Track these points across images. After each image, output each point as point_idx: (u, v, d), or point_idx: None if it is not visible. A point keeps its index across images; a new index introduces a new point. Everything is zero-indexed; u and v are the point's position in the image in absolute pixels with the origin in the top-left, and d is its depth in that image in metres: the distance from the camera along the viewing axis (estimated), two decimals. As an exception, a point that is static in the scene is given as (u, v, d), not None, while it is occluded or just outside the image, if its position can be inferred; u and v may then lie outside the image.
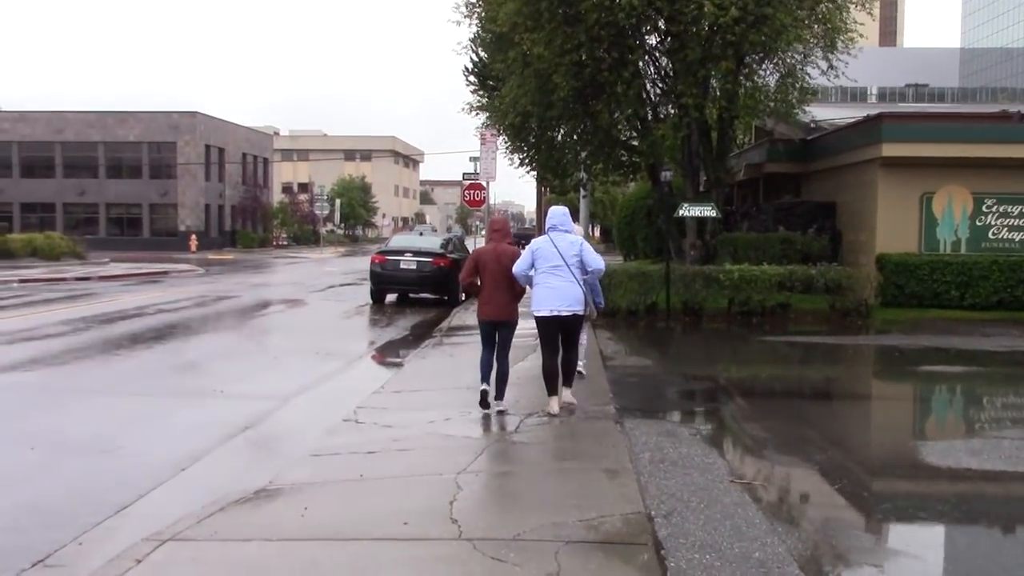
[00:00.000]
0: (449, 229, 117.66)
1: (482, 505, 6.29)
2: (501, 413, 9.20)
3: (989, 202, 19.48)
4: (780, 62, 19.97)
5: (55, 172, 61.98)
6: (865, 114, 21.83)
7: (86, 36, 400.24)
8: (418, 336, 16.89)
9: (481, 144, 19.99)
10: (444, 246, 23.23)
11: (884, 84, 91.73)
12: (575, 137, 22.82)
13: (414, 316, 20.34)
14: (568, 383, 9.56)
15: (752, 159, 26.50)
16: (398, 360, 13.83)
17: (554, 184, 27.27)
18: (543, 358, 9.35)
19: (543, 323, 9.23)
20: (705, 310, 18.41)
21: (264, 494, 6.73)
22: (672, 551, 5.26)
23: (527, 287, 9.39)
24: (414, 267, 22.25)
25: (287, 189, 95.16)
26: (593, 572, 4.93)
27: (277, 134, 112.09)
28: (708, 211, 18.53)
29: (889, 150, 18.98)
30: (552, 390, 9.28)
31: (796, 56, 19.94)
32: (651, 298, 18.39)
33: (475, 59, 30.14)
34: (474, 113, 25.04)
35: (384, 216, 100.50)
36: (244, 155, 69.29)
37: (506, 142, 23.76)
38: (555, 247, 9.16)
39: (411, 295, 23.33)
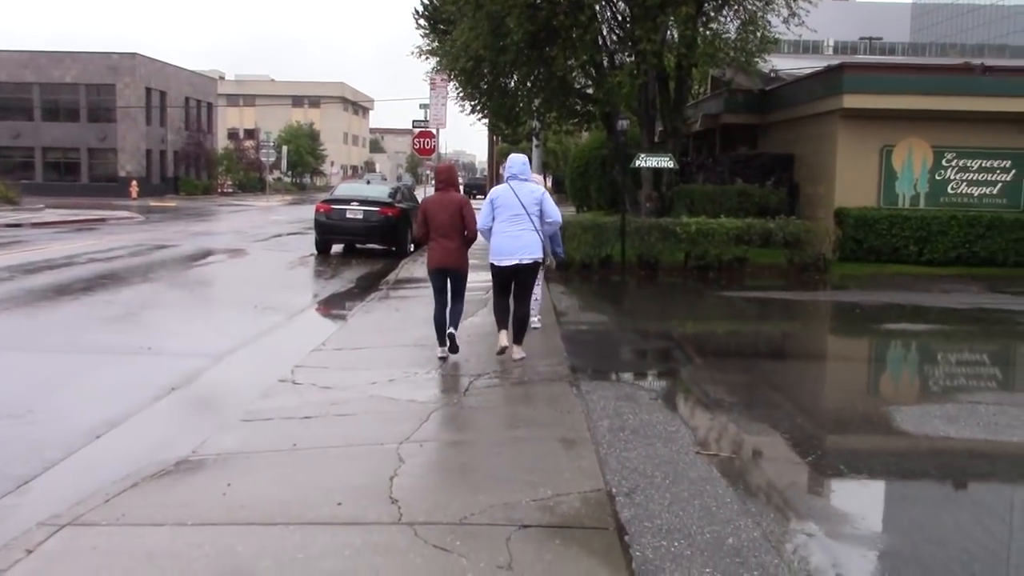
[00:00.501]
0: (399, 178, 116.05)
1: (426, 482, 5.68)
2: (451, 336, 9.25)
3: (949, 156, 19.15)
4: (740, 8, 19.34)
5: (-13, 114, 59.55)
6: (824, 65, 21.35)
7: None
8: (364, 289, 16.19)
9: (431, 89, 19.17)
10: (392, 195, 22.42)
11: (838, 38, 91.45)
12: (528, 84, 22.06)
13: (360, 267, 19.61)
14: (519, 340, 9.31)
15: (709, 109, 25.94)
16: (342, 314, 13.15)
17: (506, 133, 26.50)
18: (494, 300, 9.41)
19: (500, 272, 9.14)
20: (661, 264, 17.93)
21: (185, 466, 6.08)
22: (636, 536, 4.72)
23: (475, 237, 9.29)
24: (361, 217, 21.44)
25: (233, 135, 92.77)
26: (549, 564, 4.36)
27: (222, 78, 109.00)
28: (665, 162, 17.97)
29: (850, 101, 18.51)
30: (502, 324, 9.25)
31: (757, 3, 19.31)
32: (606, 251, 17.86)
33: (426, 2, 29.07)
34: (424, 58, 24.08)
35: (333, 164, 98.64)
36: (187, 99, 67.15)
37: (457, 88, 22.87)
38: (516, 196, 9.06)
39: (358, 246, 22.56)
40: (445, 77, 19.69)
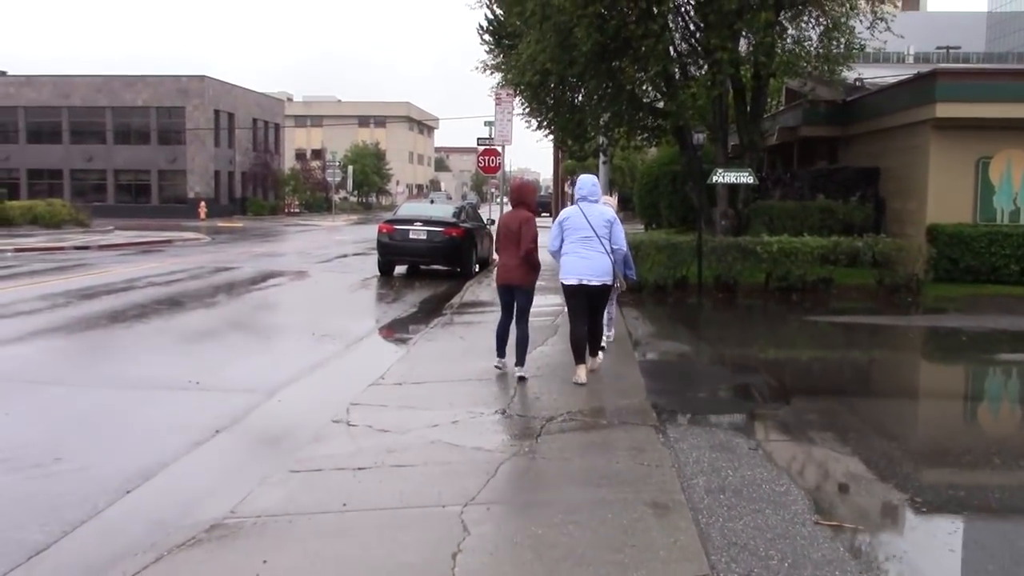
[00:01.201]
0: (464, 197, 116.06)
1: (495, 560, 4.80)
2: (522, 380, 9.20)
3: (1052, 168, 17.79)
4: (821, 14, 18.22)
5: (62, 138, 60.56)
6: (908, 74, 20.13)
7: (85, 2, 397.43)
8: (427, 313, 15.45)
9: (496, 105, 18.43)
10: (456, 215, 21.71)
11: (913, 48, 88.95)
12: (596, 98, 21.20)
13: (424, 290, 18.89)
14: (594, 352, 9.55)
15: (786, 122, 24.78)
16: (403, 343, 12.38)
17: (573, 149, 25.62)
18: (571, 326, 9.28)
19: (571, 292, 9.11)
20: (740, 285, 16.89)
21: (219, 533, 5.30)
22: (756, 644, 3.79)
23: (529, 253, 9.25)
24: (424, 237, 20.76)
25: (300, 156, 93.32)
26: None
27: (290, 100, 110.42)
28: (745, 177, 16.93)
29: (944, 110, 17.28)
30: (579, 358, 9.15)
31: (839, 8, 18.19)
32: (681, 272, 16.89)
33: (490, 16, 28.41)
34: (489, 72, 23.37)
35: (398, 183, 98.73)
36: (255, 121, 67.69)
37: (523, 103, 22.13)
38: (585, 218, 9.00)
39: (422, 267, 21.87)
40: (511, 92, 18.94)
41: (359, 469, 6.49)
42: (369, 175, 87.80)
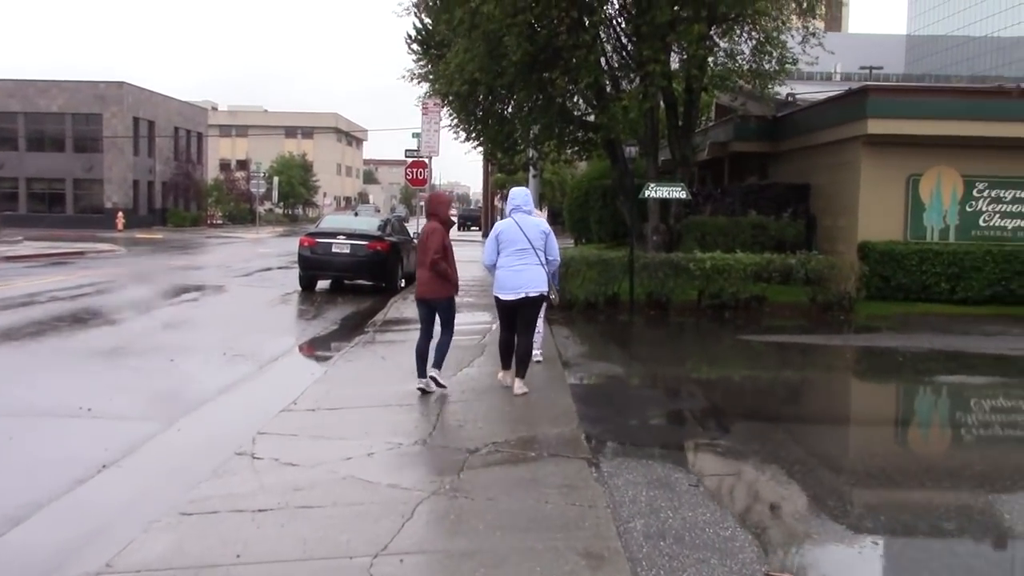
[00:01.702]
0: (393, 209, 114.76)
1: (405, 627, 4.17)
2: (433, 379, 9.17)
3: (980, 186, 17.78)
4: (754, 28, 18.02)
5: (-29, 144, 58.13)
6: (838, 90, 20.05)
7: (9, 3, 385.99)
8: (348, 331, 14.73)
9: (423, 115, 17.78)
10: (382, 228, 20.98)
11: (840, 68, 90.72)
12: (526, 110, 20.73)
13: (346, 306, 18.14)
14: (521, 374, 9.22)
15: (717, 137, 24.60)
16: (320, 363, 11.64)
17: (502, 162, 25.11)
18: (501, 331, 9.42)
19: (506, 306, 9.13)
20: (672, 302, 16.49)
21: (87, 595, 4.57)
22: None
23: (437, 263, 9.08)
24: (347, 251, 19.99)
25: (225, 166, 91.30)
26: None
27: (215, 109, 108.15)
28: (677, 192, 16.56)
29: (875, 127, 17.15)
30: (506, 363, 9.36)
31: (771, 23, 18.00)
32: (613, 288, 16.44)
33: (418, 25, 27.79)
34: (416, 82, 22.68)
35: (326, 195, 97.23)
36: (176, 129, 65.86)
37: (451, 114, 21.53)
38: (521, 230, 9.02)
39: (345, 282, 21.08)
40: (438, 102, 18.31)
41: (259, 511, 5.81)
42: (295, 187, 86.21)
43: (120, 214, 55.10)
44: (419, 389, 9.22)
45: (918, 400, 10.96)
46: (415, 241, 21.70)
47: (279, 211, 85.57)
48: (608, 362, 12.43)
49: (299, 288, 20.64)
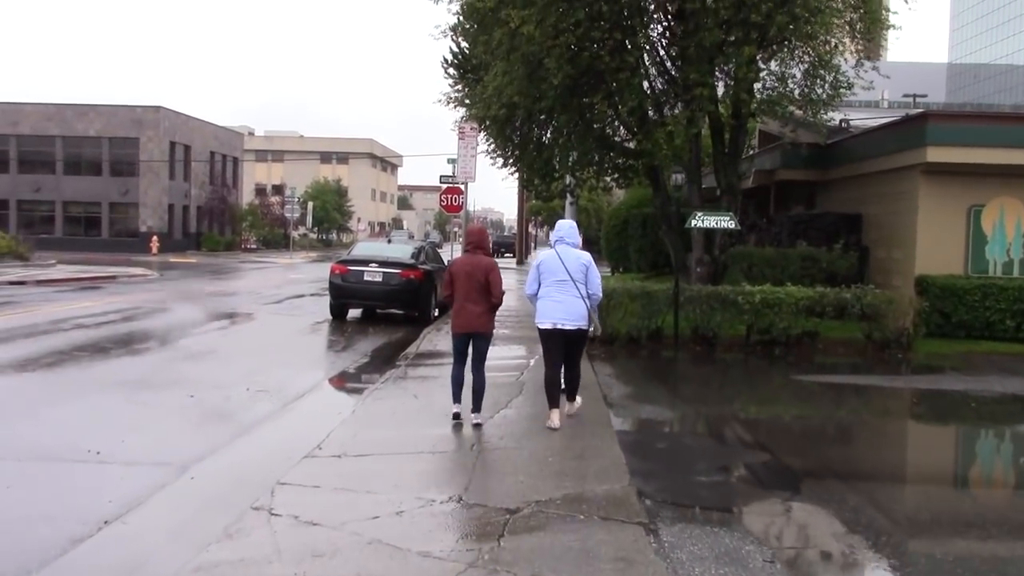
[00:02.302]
0: (427, 235, 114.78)
1: None
2: (478, 427, 8.96)
3: (1048, 218, 16.81)
4: (808, 51, 17.22)
5: (9, 167, 58.44)
6: (886, 118, 19.19)
7: (55, 34, 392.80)
8: (379, 364, 14.06)
9: (459, 139, 17.14)
10: (415, 256, 20.32)
11: (887, 95, 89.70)
12: (565, 135, 20.07)
13: (378, 336, 17.49)
14: (572, 397, 9.47)
15: (763, 164, 23.79)
16: (348, 401, 10.94)
17: (539, 188, 24.45)
18: (546, 369, 9.22)
19: (546, 335, 9.09)
20: (719, 337, 15.65)
21: None
22: None
23: (501, 300, 9.19)
24: (379, 279, 19.35)
25: (261, 191, 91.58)
26: None
27: (252, 134, 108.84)
28: (726, 222, 15.76)
29: (935, 155, 16.25)
30: (553, 403, 9.05)
31: (823, 46, 17.21)
32: (656, 322, 15.64)
33: (455, 49, 27.32)
34: (452, 106, 22.07)
35: (360, 221, 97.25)
36: (212, 154, 65.98)
37: (488, 139, 20.90)
38: (561, 262, 9.01)
39: (378, 311, 20.42)
40: (475, 127, 17.67)
41: (273, 584, 5.09)
42: (330, 212, 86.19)
43: (155, 238, 55.04)
44: (454, 415, 9.17)
45: (1004, 453, 10.03)
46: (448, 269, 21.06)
47: (313, 236, 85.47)
48: (655, 404, 11.58)
49: (330, 317, 20.03)
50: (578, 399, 9.54)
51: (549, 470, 7.53)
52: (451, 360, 9.51)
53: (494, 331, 9.46)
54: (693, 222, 15.76)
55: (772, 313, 15.26)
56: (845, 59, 17.81)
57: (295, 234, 71.61)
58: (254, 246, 68.95)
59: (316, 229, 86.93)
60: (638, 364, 14.51)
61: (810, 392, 12.63)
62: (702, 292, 15.70)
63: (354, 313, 20.71)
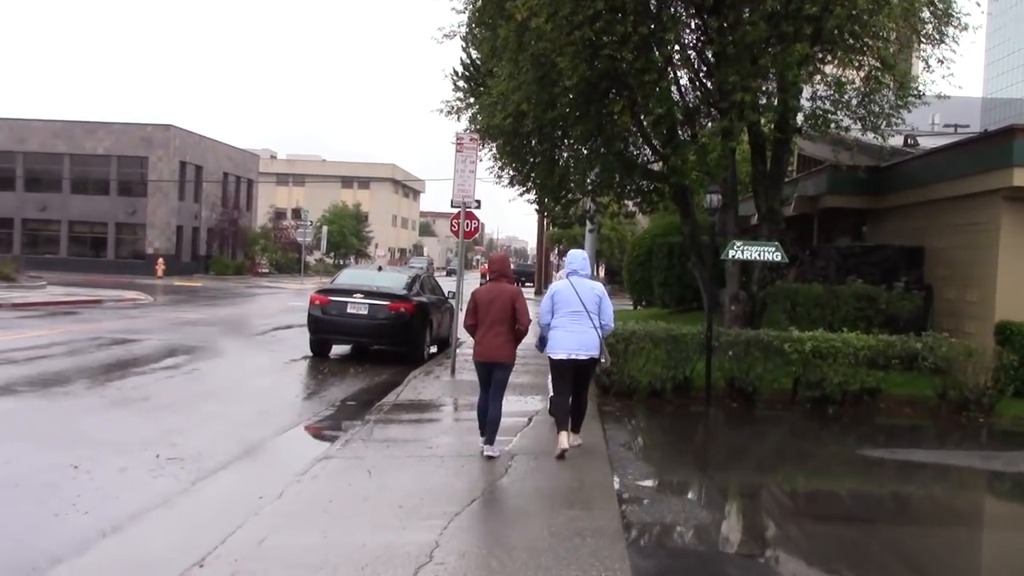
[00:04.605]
0: (448, 262, 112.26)
1: None
2: (490, 459, 8.83)
3: None
4: (865, 52, 14.56)
5: (15, 184, 56.59)
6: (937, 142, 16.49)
7: (67, 51, 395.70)
8: (344, 418, 11.54)
9: (456, 152, 14.65)
10: (408, 286, 17.73)
11: (933, 119, 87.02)
12: (582, 149, 17.54)
13: (358, 379, 15.00)
14: (576, 428, 9.48)
15: (805, 190, 21.11)
16: (280, 478, 8.26)
17: (555, 212, 21.89)
18: (554, 395, 9.33)
19: (558, 366, 9.12)
20: (759, 393, 12.96)
21: None
22: None
23: (527, 327, 9.11)
24: (365, 312, 16.83)
25: (280, 215, 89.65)
26: None
27: (274, 157, 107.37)
28: (771, 254, 13.11)
29: (1023, 178, 13.56)
30: (562, 425, 9.03)
31: (888, 46, 14.59)
32: (684, 372, 12.98)
33: (466, 60, 24.91)
34: (453, 116, 19.47)
35: (377, 247, 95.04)
36: (226, 175, 63.87)
37: (494, 154, 18.36)
38: (576, 292, 9.07)
39: (372, 347, 17.82)
40: (475, 137, 15.22)
41: None
42: (347, 237, 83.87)
43: (160, 260, 52.83)
44: (487, 456, 8.89)
45: None
46: (450, 301, 18.51)
47: (329, 261, 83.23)
48: (685, 497, 8.67)
49: (310, 353, 17.52)
50: (578, 437, 9.46)
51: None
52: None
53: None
54: (731, 253, 13.11)
55: (825, 365, 12.57)
56: (919, 59, 15.17)
57: (311, 259, 69.36)
58: (266, 270, 66.69)
59: (332, 254, 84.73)
60: (662, 429, 11.88)
61: (887, 475, 9.87)
62: (740, 337, 13.03)
63: (342, 349, 18.21)
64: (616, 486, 8.02)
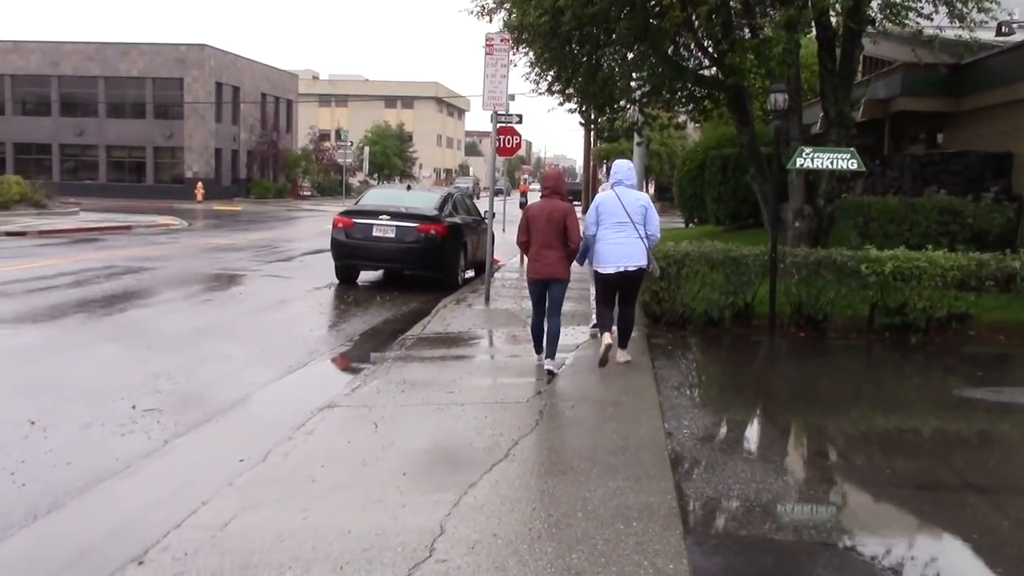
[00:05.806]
0: (496, 182, 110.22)
1: None
2: (551, 374, 8.67)
3: None
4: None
5: (51, 109, 55.74)
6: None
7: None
8: (361, 355, 10.25)
9: (487, 55, 13.06)
10: (440, 206, 16.29)
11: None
12: (627, 54, 15.77)
13: (384, 308, 13.75)
14: (623, 344, 9.20)
15: (875, 93, 19.13)
16: (268, 435, 6.95)
17: (601, 125, 20.18)
18: (598, 309, 9.52)
19: (605, 280, 9.01)
20: (831, 320, 11.42)
21: None
22: None
23: (579, 245, 8.89)
24: (392, 235, 15.49)
25: (323, 137, 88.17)
26: None
27: (316, 78, 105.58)
28: (845, 161, 11.43)
29: None
30: (605, 327, 8.99)
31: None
32: (744, 298, 11.47)
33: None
34: (485, 17, 17.63)
35: (422, 167, 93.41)
36: (264, 96, 62.40)
37: (531, 59, 16.63)
38: (620, 203, 8.86)
39: (406, 272, 16.48)
40: (506, 38, 13.61)
41: None
42: (391, 157, 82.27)
43: (199, 184, 51.92)
44: (538, 365, 8.99)
45: None
46: (484, 223, 17.05)
47: (373, 183, 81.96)
48: (754, 458, 7.07)
49: (336, 280, 16.29)
50: (625, 353, 9.22)
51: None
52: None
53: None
54: (800, 161, 11.43)
55: (908, 288, 10.98)
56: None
57: (354, 180, 68.10)
58: (308, 193, 65.62)
59: (376, 175, 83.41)
60: (721, 365, 10.46)
61: (996, 423, 8.37)
62: (809, 258, 11.42)
63: (373, 275, 17.00)
64: (669, 446, 6.61)
